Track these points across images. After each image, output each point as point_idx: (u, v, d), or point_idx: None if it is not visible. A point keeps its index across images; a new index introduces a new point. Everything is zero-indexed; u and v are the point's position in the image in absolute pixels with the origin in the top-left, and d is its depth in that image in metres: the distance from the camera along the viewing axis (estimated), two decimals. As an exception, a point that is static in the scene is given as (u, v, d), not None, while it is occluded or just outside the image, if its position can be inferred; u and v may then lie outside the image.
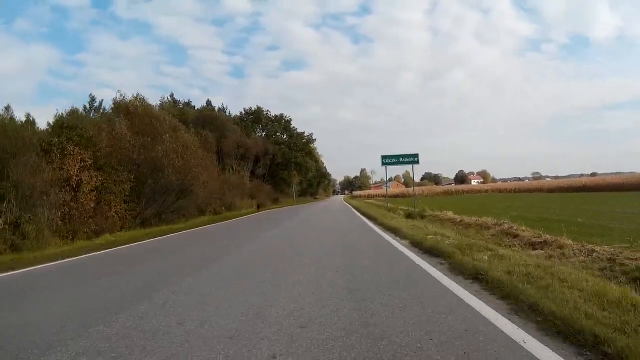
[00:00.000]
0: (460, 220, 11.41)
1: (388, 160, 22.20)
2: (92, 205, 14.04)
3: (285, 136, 46.67)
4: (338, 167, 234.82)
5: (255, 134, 45.12)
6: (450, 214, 13.39)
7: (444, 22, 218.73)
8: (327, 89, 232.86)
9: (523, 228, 7.81)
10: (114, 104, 18.73)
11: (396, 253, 6.74)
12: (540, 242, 6.74)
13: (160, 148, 14.59)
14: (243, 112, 47.17)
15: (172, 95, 39.60)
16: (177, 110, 34.24)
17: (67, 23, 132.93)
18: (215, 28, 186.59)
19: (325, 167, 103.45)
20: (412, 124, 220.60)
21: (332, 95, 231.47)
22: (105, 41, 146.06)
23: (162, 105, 34.78)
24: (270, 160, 45.82)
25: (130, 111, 17.20)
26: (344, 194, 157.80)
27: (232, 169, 34.12)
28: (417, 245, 7.17)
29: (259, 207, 36.83)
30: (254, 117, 46.87)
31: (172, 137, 15.88)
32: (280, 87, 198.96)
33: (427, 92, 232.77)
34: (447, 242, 6.48)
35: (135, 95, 18.31)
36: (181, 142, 16.02)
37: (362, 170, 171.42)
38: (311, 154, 49.75)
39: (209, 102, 43.52)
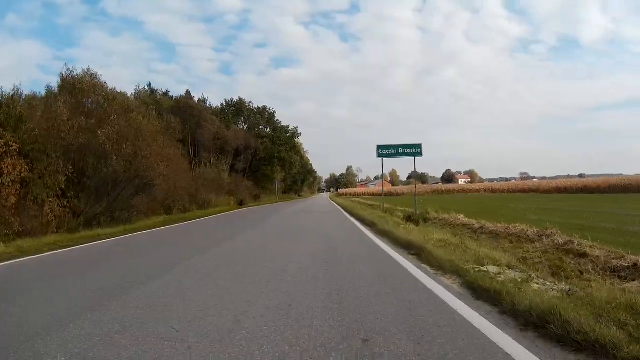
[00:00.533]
0: (481, 228, 8.93)
1: (385, 151, 18.22)
2: (13, 201, 11.21)
3: (268, 129, 43.84)
4: (326, 165, 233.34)
5: (237, 126, 42.26)
6: (462, 217, 10.94)
7: (435, 20, 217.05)
8: (318, 86, 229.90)
9: (589, 243, 5.42)
10: (60, 80, 15.74)
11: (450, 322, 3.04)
12: (628, 267, 4.37)
13: (101, 132, 11.76)
14: (224, 104, 44.26)
15: (149, 85, 36.40)
16: (153, 99, 31.19)
17: (58, 19, 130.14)
18: (205, 25, 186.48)
19: (311, 164, 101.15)
20: (400, 122, 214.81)
21: (323, 93, 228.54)
22: (95, 37, 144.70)
23: (137, 94, 31.66)
24: (252, 154, 43.02)
25: (76, 88, 14.32)
26: (330, 191, 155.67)
27: (210, 163, 31.28)
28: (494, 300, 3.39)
29: (242, 203, 34.23)
30: (236, 109, 43.93)
31: (124, 120, 13.05)
32: (270, 84, 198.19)
33: (416, 91, 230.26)
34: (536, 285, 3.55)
35: (86, 69, 15.38)
36: (134, 126, 13.19)
37: (349, 168, 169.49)
38: (296, 148, 47.11)
39: (188, 92, 40.34)
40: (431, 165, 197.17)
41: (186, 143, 29.92)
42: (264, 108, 44.10)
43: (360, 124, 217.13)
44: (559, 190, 45.78)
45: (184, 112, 30.29)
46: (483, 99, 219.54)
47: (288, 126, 44.63)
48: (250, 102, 44.87)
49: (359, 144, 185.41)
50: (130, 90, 32.45)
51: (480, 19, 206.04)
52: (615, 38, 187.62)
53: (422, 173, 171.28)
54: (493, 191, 67.15)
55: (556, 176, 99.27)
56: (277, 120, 44.36)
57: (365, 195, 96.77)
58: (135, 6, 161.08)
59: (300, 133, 45.03)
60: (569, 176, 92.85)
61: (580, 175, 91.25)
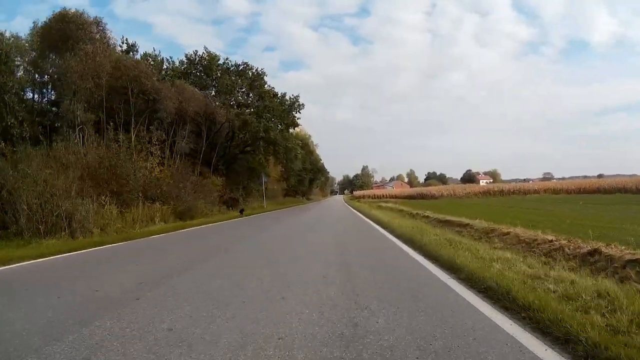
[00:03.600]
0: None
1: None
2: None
3: (252, 97, 28.05)
4: (335, 168, 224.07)
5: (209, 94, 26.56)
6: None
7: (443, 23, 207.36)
8: (326, 89, 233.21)
9: None
10: None
11: None
12: None
13: None
14: (185, 61, 28.67)
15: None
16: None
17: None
18: (214, 28, 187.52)
19: (322, 161, 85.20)
20: (411, 124, 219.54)
21: (331, 95, 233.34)
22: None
23: None
24: (227, 137, 27.41)
25: None
26: (343, 193, 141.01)
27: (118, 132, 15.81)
28: None
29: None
30: (204, 69, 28.40)
31: None
32: (278, 87, 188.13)
33: (427, 92, 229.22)
34: None
35: None
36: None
37: (364, 168, 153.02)
38: (301, 140, 30.90)
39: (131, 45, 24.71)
40: (448, 166, 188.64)
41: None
42: (246, 65, 28.41)
43: (366, 127, 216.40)
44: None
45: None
46: (494, 101, 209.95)
47: (284, 95, 28.92)
48: (227, 58, 29.15)
49: (368, 148, 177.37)
50: None
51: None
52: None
53: (440, 174, 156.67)
54: (556, 192, 50.17)
55: (571, 177, 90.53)
56: (268, 86, 28.66)
57: (385, 197, 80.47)
58: (143, 8, 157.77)
59: (303, 105, 29.20)
60: (585, 177, 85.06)
61: (599, 176, 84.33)
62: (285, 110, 27.79)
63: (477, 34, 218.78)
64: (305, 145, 66.73)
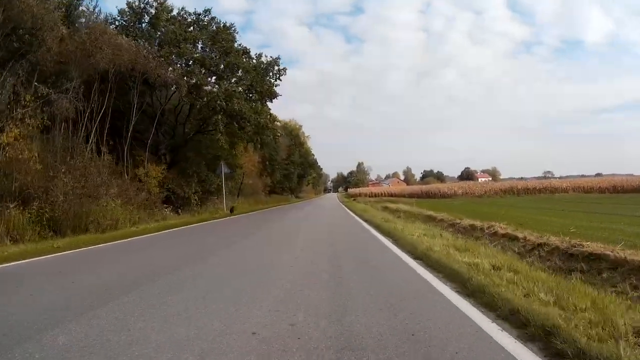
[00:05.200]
0: None
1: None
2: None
3: (214, 55, 19.73)
4: (328, 166, 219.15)
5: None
6: None
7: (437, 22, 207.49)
8: (319, 87, 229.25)
9: None
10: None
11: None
12: None
13: None
14: (128, 11, 20.53)
15: None
16: None
17: None
18: None
19: (314, 155, 77.21)
20: (405, 122, 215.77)
21: (324, 94, 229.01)
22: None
23: None
24: (176, 111, 19.49)
25: None
26: (337, 191, 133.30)
27: None
28: None
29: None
30: (150, 21, 20.33)
31: None
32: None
33: (421, 91, 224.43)
34: None
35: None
36: None
37: (359, 165, 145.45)
38: (277, 121, 22.43)
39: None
40: (445, 164, 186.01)
41: None
42: (206, 14, 20.27)
43: (359, 125, 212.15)
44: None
45: None
46: (489, 100, 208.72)
47: (259, 55, 20.85)
48: (182, 9, 20.93)
49: (361, 146, 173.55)
50: None
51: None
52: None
53: (437, 172, 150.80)
54: (587, 191, 42.91)
55: (568, 175, 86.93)
56: (239, 44, 20.50)
57: (384, 195, 72.83)
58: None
59: (285, 69, 21.22)
60: (582, 176, 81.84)
61: (597, 175, 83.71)
62: (259, 72, 19.77)
63: (471, 32, 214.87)
64: (295, 136, 58.86)
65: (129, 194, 15.34)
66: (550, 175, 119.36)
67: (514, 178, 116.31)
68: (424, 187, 57.91)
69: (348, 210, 21.46)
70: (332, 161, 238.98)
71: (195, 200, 19.16)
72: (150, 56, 16.22)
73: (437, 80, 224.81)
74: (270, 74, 20.96)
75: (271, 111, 20.35)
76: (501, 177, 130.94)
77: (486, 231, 9.78)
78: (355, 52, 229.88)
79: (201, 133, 19.88)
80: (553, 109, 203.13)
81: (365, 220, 13.44)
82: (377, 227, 10.37)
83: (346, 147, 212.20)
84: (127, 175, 15.99)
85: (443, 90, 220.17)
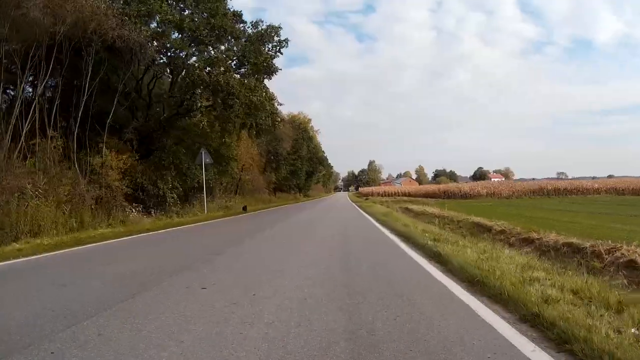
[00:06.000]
0: None
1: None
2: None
3: (196, 18, 15.78)
4: (339, 164, 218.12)
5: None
6: None
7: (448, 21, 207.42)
8: (330, 85, 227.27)
9: None
10: None
11: None
12: None
13: None
14: None
15: None
16: None
17: None
18: None
19: (324, 152, 73.06)
20: (416, 121, 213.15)
21: (335, 92, 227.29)
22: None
23: None
24: (149, 87, 15.77)
25: None
26: (348, 190, 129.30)
27: None
28: None
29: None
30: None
31: None
32: (282, 83, 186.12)
33: (432, 90, 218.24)
34: None
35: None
36: None
37: (371, 163, 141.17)
38: (274, 101, 17.94)
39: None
40: (456, 164, 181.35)
41: None
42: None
43: (370, 124, 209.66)
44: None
45: None
46: (499, 101, 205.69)
47: (256, 22, 16.88)
48: None
49: (372, 145, 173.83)
50: None
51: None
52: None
53: (450, 171, 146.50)
54: (619, 192, 38.02)
55: (579, 177, 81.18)
56: (230, 7, 16.50)
57: (397, 195, 68.52)
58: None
59: (287, 41, 17.26)
60: (594, 178, 76.24)
61: (609, 176, 79.67)
62: (252, 41, 15.86)
63: (482, 32, 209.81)
64: (304, 130, 54.91)
65: (79, 190, 11.71)
66: (564, 177, 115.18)
67: (525, 179, 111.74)
68: (442, 187, 53.41)
69: (365, 215, 17.27)
70: (342, 160, 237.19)
71: (173, 198, 15.38)
72: (110, 12, 12.46)
73: (450, 81, 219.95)
74: (269, 45, 17.07)
75: (269, 90, 16.32)
76: (514, 177, 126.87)
77: (607, 257, 5.77)
78: (367, 51, 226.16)
79: (181, 115, 16.04)
80: (564, 109, 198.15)
81: (402, 237, 8.06)
82: (439, 260, 5.78)
83: (357, 147, 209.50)
84: (76, 165, 12.25)
85: (454, 90, 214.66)
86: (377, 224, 11.83)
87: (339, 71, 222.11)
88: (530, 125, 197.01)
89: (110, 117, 13.81)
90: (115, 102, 13.86)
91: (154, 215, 15.06)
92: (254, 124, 15.84)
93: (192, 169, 16.38)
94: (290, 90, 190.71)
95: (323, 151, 68.08)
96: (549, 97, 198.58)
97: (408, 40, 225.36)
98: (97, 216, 12.17)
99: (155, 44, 13.26)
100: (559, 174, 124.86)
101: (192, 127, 16.87)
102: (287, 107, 56.70)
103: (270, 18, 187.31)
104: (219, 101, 14.09)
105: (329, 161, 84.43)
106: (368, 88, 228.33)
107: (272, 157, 35.71)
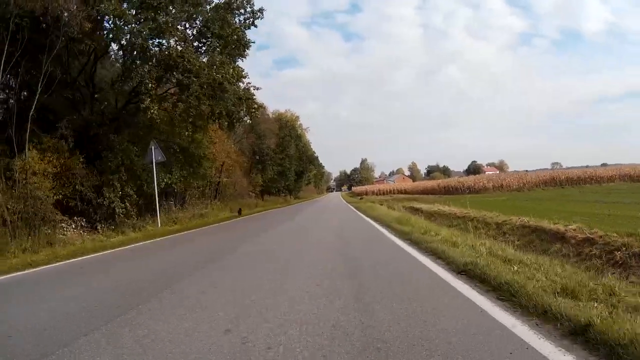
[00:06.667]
0: None
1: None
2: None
3: None
4: (330, 165, 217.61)
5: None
6: None
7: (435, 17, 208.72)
8: (322, 86, 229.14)
9: None
10: None
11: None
12: None
13: None
14: None
15: None
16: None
17: None
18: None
19: (314, 151, 69.94)
20: (407, 119, 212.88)
21: (330, 92, 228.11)
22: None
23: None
24: (90, 67, 12.55)
25: None
26: (341, 190, 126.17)
27: None
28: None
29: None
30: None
31: None
32: (274, 86, 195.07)
33: (423, 87, 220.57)
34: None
35: None
36: None
37: (363, 162, 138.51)
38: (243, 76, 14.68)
39: None
40: (447, 159, 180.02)
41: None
42: None
43: (363, 123, 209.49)
44: None
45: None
46: (500, 93, 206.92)
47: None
48: None
49: (364, 144, 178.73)
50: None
51: None
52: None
53: (443, 166, 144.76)
54: (633, 179, 35.84)
55: (572, 167, 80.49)
56: None
57: (391, 193, 65.77)
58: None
59: (262, 11, 14.34)
60: (587, 167, 74.75)
61: (603, 165, 76.76)
62: (218, 10, 12.77)
63: (470, 26, 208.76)
64: (291, 128, 51.79)
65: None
66: (558, 167, 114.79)
67: (518, 171, 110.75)
68: (442, 182, 50.71)
69: (368, 220, 14.12)
70: (338, 161, 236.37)
71: (124, 209, 12.19)
72: None
73: (441, 77, 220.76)
74: (240, 17, 14.00)
75: (240, 68, 13.15)
76: (508, 170, 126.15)
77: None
78: (355, 51, 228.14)
79: (134, 105, 12.85)
80: (555, 100, 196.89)
81: (453, 267, 4.49)
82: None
83: (348, 147, 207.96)
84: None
85: (444, 85, 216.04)
86: (397, 241, 7.24)
87: (332, 71, 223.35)
88: (522, 119, 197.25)
89: (33, 108, 10.58)
90: (39, 90, 10.64)
91: (100, 231, 11.89)
92: (224, 112, 12.69)
93: (148, 171, 13.20)
94: (284, 92, 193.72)
95: (313, 150, 65.08)
96: (541, 90, 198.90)
97: (397, 38, 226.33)
98: (16, 237, 9.06)
99: (87, 7, 10.03)
100: (553, 164, 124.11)
101: (155, 123, 13.63)
102: (283, 109, 54.07)
103: (257, 21, 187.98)
104: (173, 81, 10.98)
105: (321, 161, 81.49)
106: (363, 88, 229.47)
107: (258, 158, 32.56)
